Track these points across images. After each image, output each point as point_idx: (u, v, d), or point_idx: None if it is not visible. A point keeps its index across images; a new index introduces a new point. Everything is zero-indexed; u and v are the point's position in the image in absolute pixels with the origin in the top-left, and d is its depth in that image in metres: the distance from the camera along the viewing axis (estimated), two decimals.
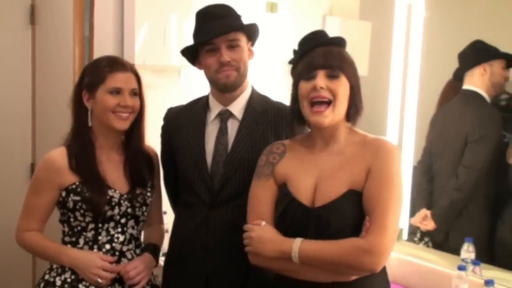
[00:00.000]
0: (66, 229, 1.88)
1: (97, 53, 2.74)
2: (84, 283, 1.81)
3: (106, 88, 1.84)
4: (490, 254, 2.41)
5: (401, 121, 2.77)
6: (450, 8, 2.79)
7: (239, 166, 1.83)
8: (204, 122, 1.92)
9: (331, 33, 1.69)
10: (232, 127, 1.89)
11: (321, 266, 1.52)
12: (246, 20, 1.89)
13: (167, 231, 2.15)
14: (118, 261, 1.86)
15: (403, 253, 2.44)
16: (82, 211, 1.82)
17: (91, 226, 1.84)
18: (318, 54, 1.59)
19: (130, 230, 1.90)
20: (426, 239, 2.69)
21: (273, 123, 1.87)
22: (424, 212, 2.70)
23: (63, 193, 1.83)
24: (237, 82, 1.86)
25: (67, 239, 1.88)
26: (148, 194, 1.94)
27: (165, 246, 2.06)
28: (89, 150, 1.87)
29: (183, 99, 2.09)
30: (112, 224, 1.86)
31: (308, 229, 1.54)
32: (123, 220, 1.88)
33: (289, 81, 1.70)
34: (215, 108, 1.92)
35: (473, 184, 2.55)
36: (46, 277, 1.87)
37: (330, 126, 1.59)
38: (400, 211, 1.55)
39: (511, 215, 2.39)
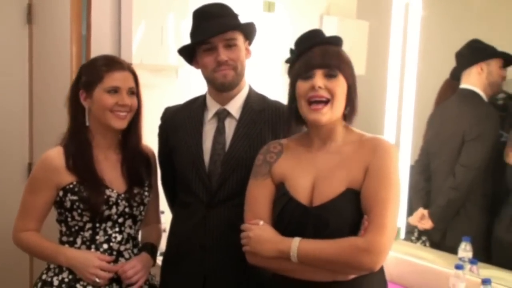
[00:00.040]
0: (64, 229, 1.88)
1: (94, 53, 2.73)
2: (81, 283, 1.81)
3: (104, 87, 1.83)
4: (487, 253, 2.41)
5: (399, 120, 2.78)
6: (447, 7, 2.79)
7: (237, 165, 1.83)
8: (202, 121, 1.92)
9: (329, 32, 1.69)
10: (230, 126, 1.88)
11: (320, 266, 1.52)
12: (243, 19, 1.89)
13: (164, 230, 2.15)
14: (115, 261, 1.86)
15: (400, 252, 2.44)
16: (79, 210, 1.82)
17: (88, 225, 1.84)
18: (316, 53, 1.59)
19: (127, 230, 1.90)
20: (423, 238, 2.69)
21: (270, 122, 1.87)
22: (422, 211, 2.71)
23: (61, 193, 1.83)
24: (235, 81, 1.86)
25: (64, 238, 1.87)
26: (146, 193, 1.94)
27: (162, 246, 2.06)
28: (86, 150, 1.86)
29: (181, 99, 2.08)
30: (109, 223, 1.86)
31: (306, 229, 1.54)
32: (120, 220, 1.88)
33: (286, 80, 1.70)
34: (213, 107, 1.91)
35: (470, 183, 2.56)
36: (44, 277, 1.87)
37: (327, 124, 1.59)
38: (398, 209, 1.55)
39: (508, 214, 2.39)
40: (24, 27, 3.34)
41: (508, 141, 2.43)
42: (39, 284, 1.86)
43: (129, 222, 1.90)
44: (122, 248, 1.88)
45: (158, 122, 2.04)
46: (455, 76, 2.66)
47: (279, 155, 1.69)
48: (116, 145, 1.94)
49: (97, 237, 1.85)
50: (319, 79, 1.57)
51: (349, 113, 1.62)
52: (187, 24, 1.90)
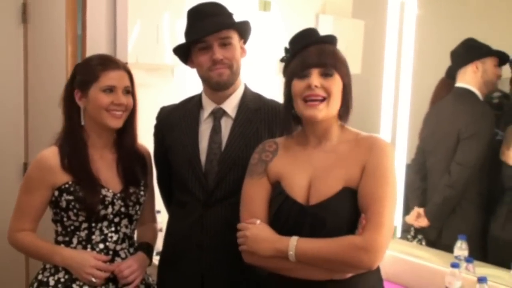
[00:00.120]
0: (59, 229, 1.87)
1: (90, 52, 2.73)
2: (77, 282, 1.81)
3: (100, 86, 1.83)
4: (483, 251, 2.42)
5: (394, 119, 2.78)
6: (442, 6, 2.80)
7: (233, 164, 1.83)
8: (198, 120, 1.92)
9: (324, 31, 1.70)
10: (226, 125, 1.88)
11: (318, 264, 1.52)
12: (239, 18, 1.89)
13: (161, 230, 2.14)
14: (111, 260, 1.85)
15: (396, 251, 2.44)
16: (75, 210, 1.81)
17: (84, 225, 1.84)
18: (312, 52, 1.59)
19: (123, 229, 1.90)
20: (419, 236, 2.69)
21: (266, 121, 1.87)
22: (417, 210, 2.71)
23: (56, 193, 1.83)
24: (230, 80, 1.86)
25: (60, 238, 1.87)
26: (141, 193, 1.93)
27: (158, 245, 2.06)
28: (82, 149, 1.86)
29: (176, 98, 2.08)
30: (105, 223, 1.85)
31: (303, 228, 1.54)
32: (116, 219, 1.87)
33: (282, 79, 1.69)
34: (208, 106, 1.91)
35: (465, 181, 2.56)
36: (40, 277, 1.86)
37: (323, 122, 1.59)
38: (395, 208, 1.56)
39: (504, 212, 2.40)
40: (19, 26, 3.33)
41: (503, 139, 2.44)
42: (35, 284, 1.85)
43: (125, 221, 1.90)
44: (118, 247, 1.88)
45: (154, 121, 2.04)
46: (451, 75, 2.67)
47: (274, 153, 1.69)
48: (111, 144, 1.93)
49: (93, 236, 1.84)
50: (315, 78, 1.56)
51: (343, 112, 1.62)
52: (183, 23, 1.89)
